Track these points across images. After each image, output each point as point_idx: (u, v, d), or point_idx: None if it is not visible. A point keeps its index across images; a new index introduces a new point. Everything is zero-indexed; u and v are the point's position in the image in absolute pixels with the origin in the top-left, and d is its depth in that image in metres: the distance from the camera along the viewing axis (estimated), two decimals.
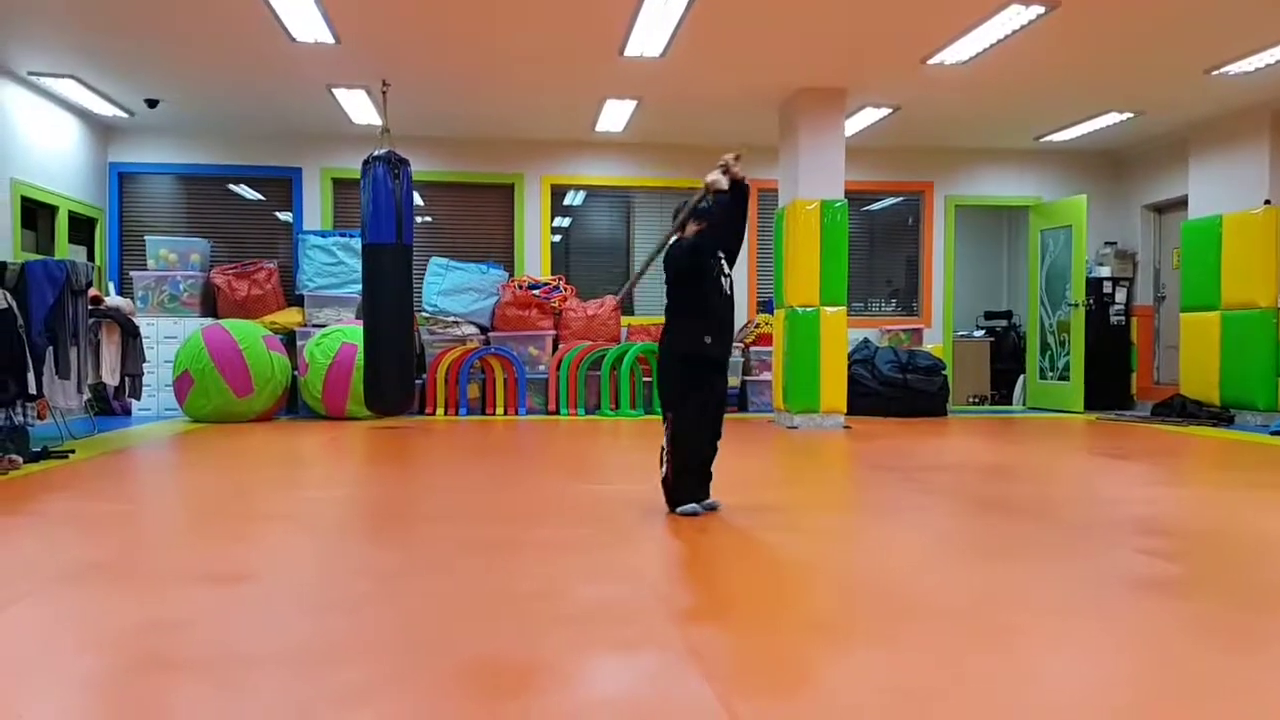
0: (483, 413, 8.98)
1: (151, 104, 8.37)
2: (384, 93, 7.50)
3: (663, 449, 3.93)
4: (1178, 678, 2.19)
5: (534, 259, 9.91)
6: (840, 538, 3.84)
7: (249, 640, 2.38)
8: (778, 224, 8.47)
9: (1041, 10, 6.08)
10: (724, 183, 3.85)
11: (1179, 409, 8.76)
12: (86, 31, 6.67)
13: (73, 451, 5.89)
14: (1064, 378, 9.88)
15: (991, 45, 6.71)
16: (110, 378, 6.83)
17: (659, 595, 2.83)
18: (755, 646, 2.37)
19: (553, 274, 9.84)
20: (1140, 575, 3.09)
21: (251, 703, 1.98)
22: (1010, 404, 10.61)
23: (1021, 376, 10.61)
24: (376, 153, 7.35)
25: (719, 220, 3.92)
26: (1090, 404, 9.66)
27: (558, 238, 10.18)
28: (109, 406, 8.32)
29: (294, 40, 6.63)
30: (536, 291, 9.32)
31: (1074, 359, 9.74)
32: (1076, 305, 9.70)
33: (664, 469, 3.92)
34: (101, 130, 9.19)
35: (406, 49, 6.93)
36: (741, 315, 10.05)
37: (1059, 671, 2.22)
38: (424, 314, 9.11)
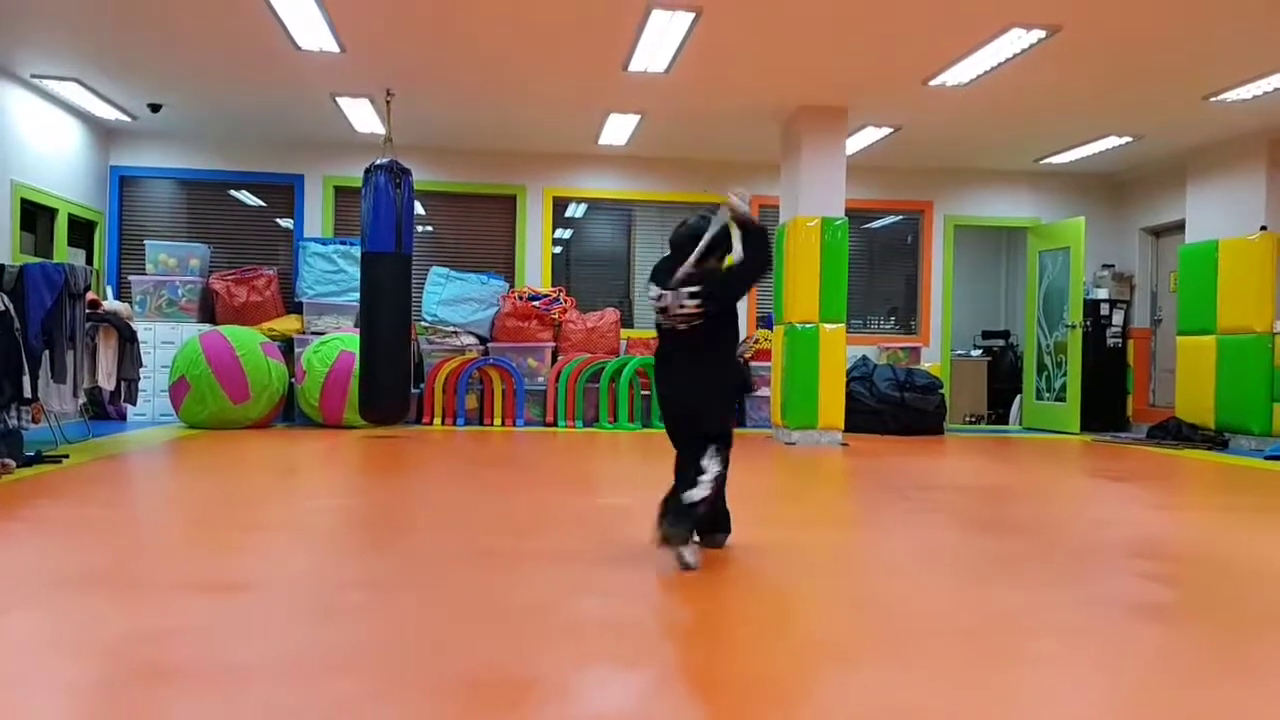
0: (480, 423, 8.96)
1: (154, 108, 8.38)
2: (388, 102, 7.51)
3: (707, 479, 3.40)
4: (1174, 705, 2.19)
5: (534, 270, 9.92)
6: (838, 556, 3.83)
7: (242, 650, 2.37)
8: (778, 240, 8.48)
9: (1043, 34, 6.11)
10: (743, 206, 3.51)
11: (1174, 432, 8.77)
12: (91, 35, 6.68)
13: (66, 456, 5.87)
14: (1060, 399, 9.89)
15: (993, 68, 6.75)
16: (106, 382, 6.82)
17: (656, 611, 2.82)
18: (753, 664, 2.36)
19: (553, 285, 9.84)
20: (1137, 599, 3.08)
21: (244, 713, 1.97)
22: (1007, 424, 10.62)
23: (1018, 397, 10.62)
24: (378, 161, 7.36)
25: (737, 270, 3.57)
26: (1086, 425, 9.67)
27: (559, 249, 10.19)
28: (104, 411, 8.30)
29: (299, 48, 6.65)
30: (536, 303, 9.32)
31: (1071, 380, 9.76)
32: (1073, 327, 9.72)
33: (709, 495, 3.39)
34: (103, 133, 9.19)
35: (411, 59, 6.95)
36: (740, 331, 10.06)
37: (1057, 695, 2.21)
38: (423, 323, 9.11)
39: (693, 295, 3.38)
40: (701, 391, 3.50)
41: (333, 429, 8.19)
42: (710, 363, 3.52)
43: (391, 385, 7.51)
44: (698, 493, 3.36)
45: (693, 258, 3.41)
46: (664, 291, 3.43)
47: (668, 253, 3.58)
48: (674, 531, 3.26)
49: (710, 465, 3.42)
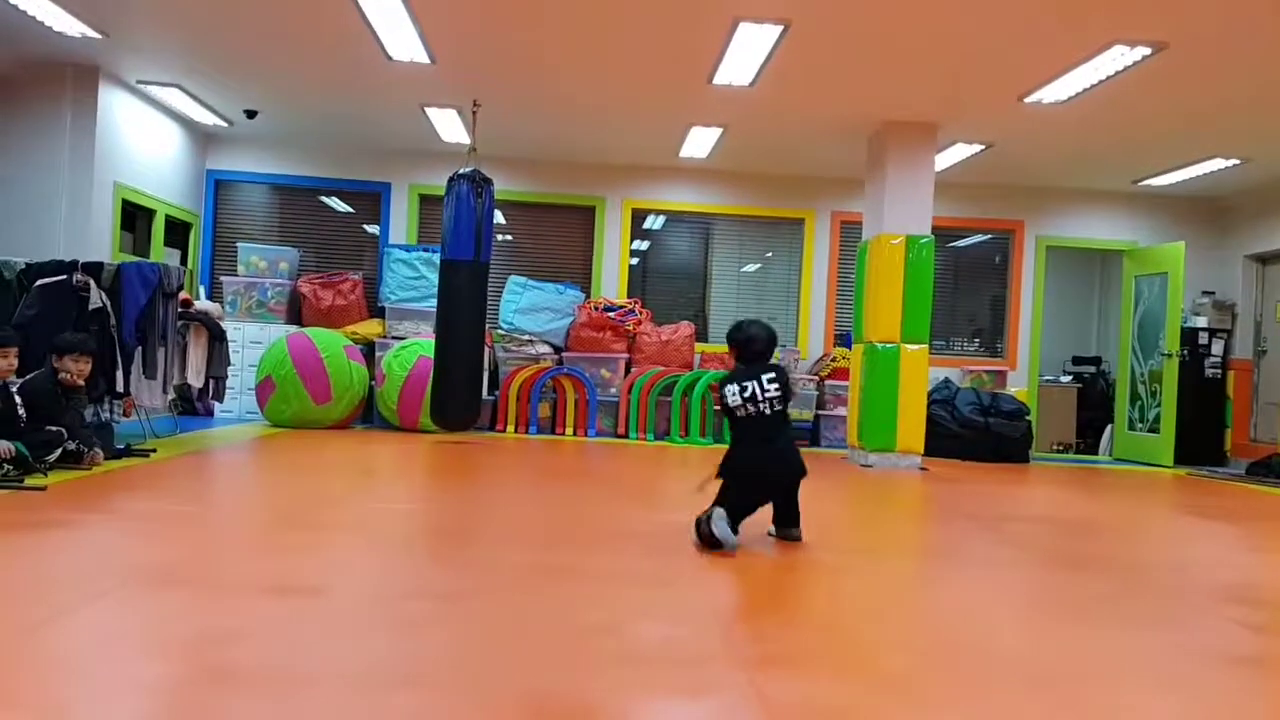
0: (552, 432, 8.98)
1: (250, 115, 8.62)
2: (474, 113, 7.60)
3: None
4: None
5: (611, 281, 9.92)
6: (917, 587, 3.70)
7: (308, 657, 2.37)
8: (860, 257, 8.33)
9: (1148, 52, 5.88)
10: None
11: (1277, 470, 8.34)
12: (194, 44, 6.90)
13: (154, 450, 6.03)
14: (1154, 429, 9.49)
15: (1093, 86, 6.52)
16: (195, 379, 7.01)
17: (725, 637, 2.74)
18: (826, 700, 2.26)
19: (629, 297, 9.83)
20: (1239, 650, 2.90)
21: None
22: (1096, 453, 10.24)
23: (1109, 426, 10.24)
24: (462, 170, 7.44)
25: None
26: (1181, 459, 9.26)
27: (635, 261, 10.18)
28: (192, 407, 8.54)
29: (390, 59, 6.76)
30: (612, 314, 9.31)
31: (1165, 411, 9.36)
32: (1170, 355, 9.33)
33: None
34: (201, 138, 9.50)
35: (498, 71, 7.02)
36: (818, 348, 9.92)
37: None
38: (500, 331, 9.18)
39: (772, 382, 4.06)
40: (797, 454, 4.13)
41: (409, 432, 8.29)
42: (789, 443, 4.15)
43: (463, 392, 7.55)
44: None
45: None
46: (749, 383, 4.05)
47: (732, 335, 4.29)
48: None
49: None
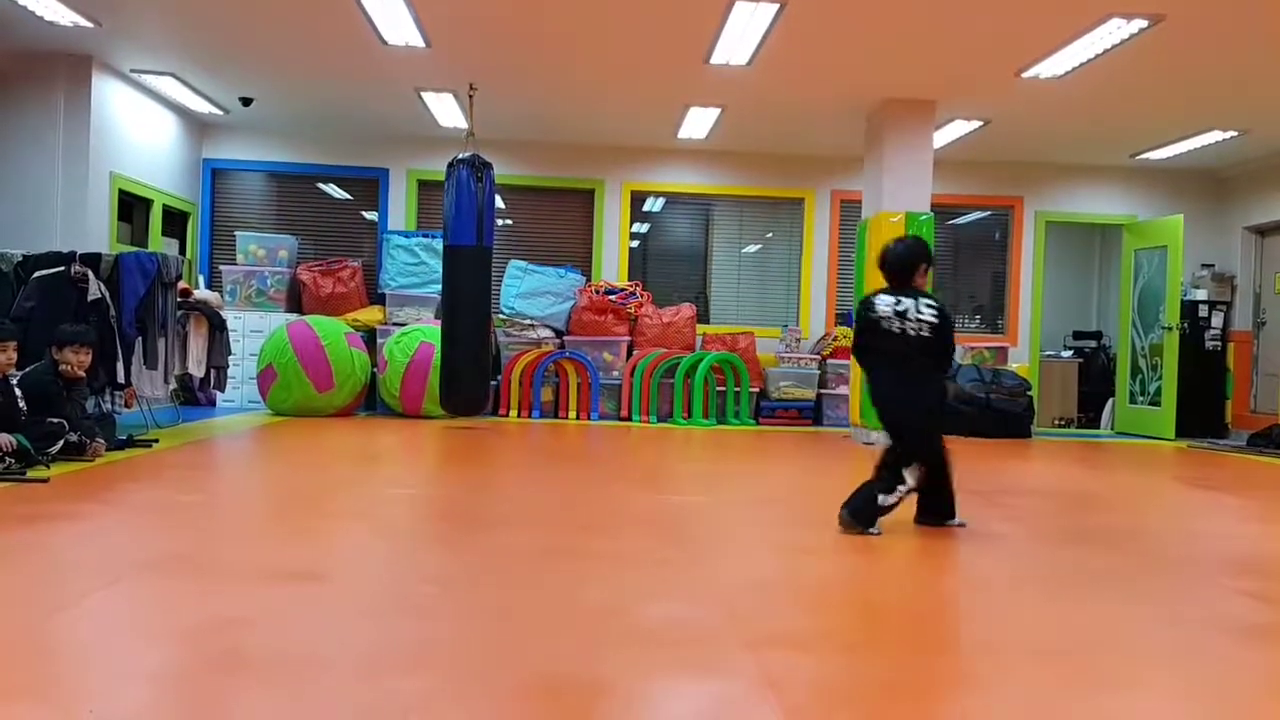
0: (555, 416, 8.99)
1: (246, 102, 8.58)
2: (471, 96, 7.56)
3: (903, 489, 3.96)
4: None
5: (612, 264, 9.91)
6: (921, 564, 3.71)
7: (314, 642, 2.38)
8: (860, 236, 8.31)
9: (1144, 24, 5.84)
10: None
11: (1278, 440, 8.34)
12: (187, 31, 6.86)
13: (156, 441, 6.04)
14: (1155, 403, 9.50)
15: (1090, 59, 6.48)
16: (196, 369, 7.02)
17: (732, 616, 2.76)
18: (833, 678, 2.28)
19: (630, 280, 9.82)
20: (1241, 620, 2.91)
21: (312, 707, 1.97)
22: (1098, 427, 10.25)
23: (1110, 400, 10.24)
24: (461, 155, 7.42)
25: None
26: (1182, 431, 9.26)
27: (636, 243, 10.16)
28: (194, 397, 8.54)
29: (385, 43, 6.73)
30: (613, 297, 9.31)
31: (1166, 384, 9.36)
32: (1170, 328, 9.33)
33: (897, 503, 3.98)
34: (197, 127, 9.46)
35: (495, 54, 6.98)
36: (819, 327, 9.91)
37: None
38: (501, 315, 9.18)
39: (930, 307, 3.89)
40: (918, 394, 3.96)
41: (412, 418, 8.30)
42: (916, 380, 3.96)
43: (472, 377, 7.56)
44: (890, 499, 3.84)
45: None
46: (906, 301, 3.90)
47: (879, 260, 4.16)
48: (850, 523, 3.83)
49: (910, 477, 3.88)
